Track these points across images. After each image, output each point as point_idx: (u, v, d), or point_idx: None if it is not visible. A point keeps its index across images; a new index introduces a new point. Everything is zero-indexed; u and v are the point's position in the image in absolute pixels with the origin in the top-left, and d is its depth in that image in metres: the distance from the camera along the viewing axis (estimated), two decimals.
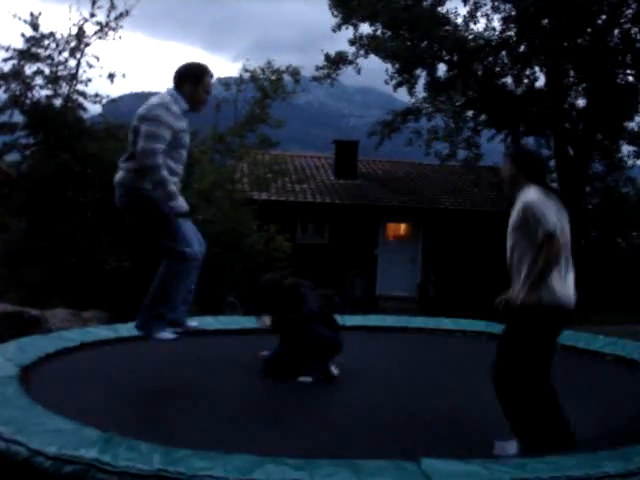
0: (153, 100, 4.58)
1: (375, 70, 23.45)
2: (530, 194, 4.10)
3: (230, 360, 5.36)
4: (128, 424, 3.68)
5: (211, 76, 4.88)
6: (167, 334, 4.70)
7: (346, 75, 23.89)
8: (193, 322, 4.95)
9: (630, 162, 23.50)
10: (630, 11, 20.84)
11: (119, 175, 4.70)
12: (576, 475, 2.74)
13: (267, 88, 15.96)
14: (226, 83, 16.43)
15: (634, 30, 21.27)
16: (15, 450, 3.06)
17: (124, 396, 4.50)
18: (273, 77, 16.13)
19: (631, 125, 22.81)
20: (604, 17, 21.18)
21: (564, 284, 4.15)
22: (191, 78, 4.67)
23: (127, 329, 6.67)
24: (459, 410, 4.46)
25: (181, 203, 4.58)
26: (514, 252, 4.15)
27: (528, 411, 3.95)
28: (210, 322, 7.12)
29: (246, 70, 16.22)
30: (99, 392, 4.50)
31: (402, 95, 23.79)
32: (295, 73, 16.41)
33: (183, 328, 4.87)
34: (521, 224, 4.06)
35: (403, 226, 22.61)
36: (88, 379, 4.86)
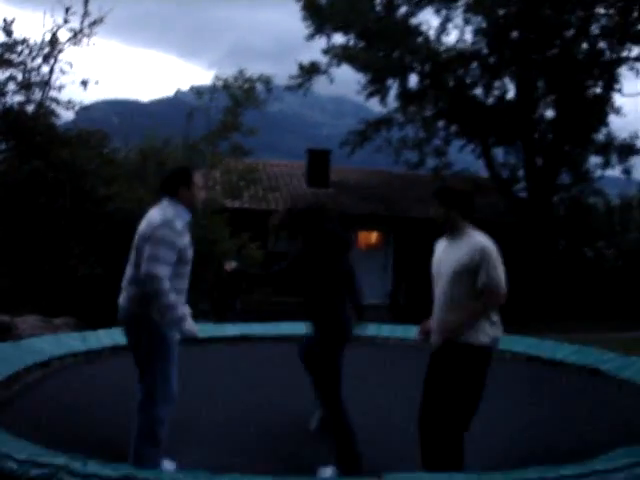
0: (156, 218, 4.37)
1: (348, 79, 23.64)
2: (482, 237, 4.26)
3: (197, 368, 5.43)
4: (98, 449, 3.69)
5: (197, 173, 4.83)
6: (168, 465, 4.42)
7: (319, 84, 24.08)
8: (169, 466, 4.49)
9: (597, 173, 23.93)
10: (597, 25, 21.27)
11: (123, 298, 4.51)
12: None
13: (239, 97, 16.03)
14: (198, 92, 16.47)
15: (601, 44, 21.71)
16: None
17: (90, 418, 4.50)
18: (245, 86, 16.19)
19: (599, 137, 23.23)
20: (572, 31, 21.56)
21: (496, 327, 4.29)
22: (183, 182, 4.53)
23: (96, 338, 6.73)
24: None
25: (191, 327, 4.39)
26: (453, 288, 4.25)
27: (445, 456, 4.08)
28: None
29: (218, 79, 16.29)
30: (70, 416, 4.51)
31: (375, 105, 24.05)
32: (267, 82, 16.51)
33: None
34: (471, 265, 4.18)
35: (374, 234, 22.76)
36: (54, 400, 4.85)
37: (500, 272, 4.17)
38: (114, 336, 6.82)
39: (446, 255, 4.40)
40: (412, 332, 8.13)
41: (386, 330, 8.91)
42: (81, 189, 12.93)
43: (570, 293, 20.89)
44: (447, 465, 4.04)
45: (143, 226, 4.40)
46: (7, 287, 12.38)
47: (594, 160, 23.73)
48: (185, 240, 4.41)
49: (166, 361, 4.39)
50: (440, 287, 4.38)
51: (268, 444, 4.19)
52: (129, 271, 4.48)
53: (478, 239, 4.27)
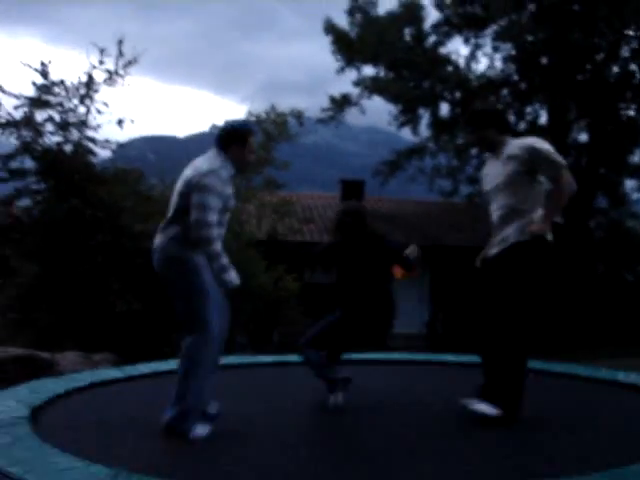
0: (203, 166, 4.44)
1: (381, 109, 23.83)
2: (522, 140, 4.51)
3: (238, 393, 5.46)
4: (136, 462, 3.76)
5: (254, 135, 4.83)
6: (201, 430, 4.39)
7: (352, 115, 24.28)
8: (213, 409, 4.58)
9: (635, 196, 23.74)
10: (627, 48, 21.21)
11: (160, 241, 4.52)
12: None
13: (272, 131, 16.22)
14: None
15: (632, 66, 21.62)
16: None
17: (133, 435, 4.59)
18: (278, 120, 16.38)
19: (634, 159, 23.06)
20: (602, 54, 21.51)
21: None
22: (238, 140, 4.57)
23: (135, 369, 6.83)
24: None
25: (233, 276, 4.46)
26: (508, 200, 4.43)
27: (512, 366, 4.32)
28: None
29: (251, 114, 16.52)
30: (109, 431, 4.60)
31: (408, 133, 24.17)
32: (299, 116, 16.69)
33: (207, 418, 4.52)
34: (523, 168, 4.37)
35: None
36: (98, 419, 4.96)
37: (554, 153, 4.31)
38: (153, 367, 6.94)
39: (493, 170, 4.55)
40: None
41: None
42: (118, 226, 13.14)
43: (611, 318, 20.58)
44: (509, 392, 4.27)
45: (188, 172, 4.47)
46: (47, 324, 12.57)
47: (629, 183, 23.55)
48: (229, 190, 4.50)
49: (207, 301, 4.38)
50: (495, 203, 4.51)
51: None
52: (169, 213, 4.54)
53: (517, 143, 4.44)
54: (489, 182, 4.65)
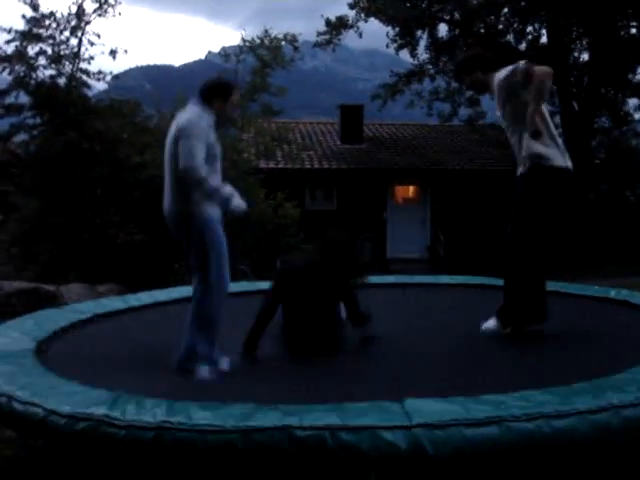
0: (183, 118, 4.56)
1: (380, 31, 23.43)
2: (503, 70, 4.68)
3: (236, 321, 5.59)
4: (136, 384, 3.91)
5: (238, 91, 4.91)
6: (208, 373, 4.46)
7: (351, 38, 23.89)
8: (224, 364, 4.60)
9: (637, 115, 23.56)
10: None
11: (168, 201, 4.67)
12: (547, 411, 2.95)
13: (266, 57, 15.98)
14: (225, 54, 16.47)
15: None
16: (32, 411, 3.33)
17: (133, 361, 4.73)
18: (271, 45, 16.11)
19: (636, 78, 22.78)
20: None
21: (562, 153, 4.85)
22: (220, 95, 4.65)
23: (137, 299, 6.96)
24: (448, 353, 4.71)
25: (239, 202, 4.62)
26: (514, 125, 4.75)
27: (529, 282, 4.65)
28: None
29: (245, 40, 16.26)
30: (110, 360, 4.74)
31: (408, 56, 23.83)
32: (293, 40, 16.42)
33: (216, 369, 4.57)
34: (510, 91, 4.65)
35: (411, 188, 22.74)
36: (100, 348, 5.09)
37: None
38: (155, 296, 7.07)
39: (496, 103, 4.86)
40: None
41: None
42: (116, 158, 13.16)
43: (613, 238, 20.68)
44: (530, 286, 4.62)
45: (172, 129, 4.58)
46: (50, 257, 12.72)
47: (632, 102, 23.33)
48: (212, 136, 4.57)
49: (218, 252, 4.52)
50: (508, 131, 4.87)
51: None
52: (167, 175, 4.64)
53: (498, 75, 4.67)
54: (499, 116, 4.98)
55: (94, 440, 3.08)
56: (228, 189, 4.58)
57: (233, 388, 4.04)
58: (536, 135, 4.50)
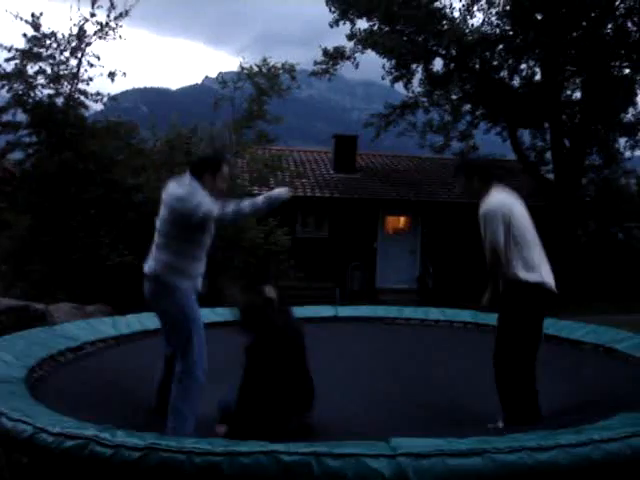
0: (180, 189, 4.59)
1: (377, 63, 23.65)
2: (492, 199, 4.73)
3: (224, 351, 5.61)
4: (125, 420, 3.92)
5: (228, 164, 4.98)
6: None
7: (347, 68, 24.09)
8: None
9: (627, 154, 23.82)
10: (623, 5, 21.06)
11: (151, 266, 4.66)
12: (530, 445, 3.01)
13: (263, 85, 16.11)
14: (223, 80, 16.60)
15: (628, 24, 21.50)
16: (21, 428, 3.36)
17: (124, 395, 4.75)
18: (269, 74, 16.24)
19: (627, 117, 23.07)
20: (598, 11, 21.37)
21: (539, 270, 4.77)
22: (210, 169, 4.71)
23: (127, 326, 6.99)
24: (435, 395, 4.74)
25: (278, 191, 4.59)
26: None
27: (518, 389, 4.55)
28: (206, 314, 7.42)
29: (243, 67, 16.39)
30: (99, 394, 4.76)
31: (403, 89, 24.05)
32: (291, 70, 16.56)
33: None
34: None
35: (402, 219, 22.84)
36: (91, 380, 5.11)
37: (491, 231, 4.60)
38: (142, 320, 7.09)
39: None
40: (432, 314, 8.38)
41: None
42: (110, 179, 13.21)
43: (601, 275, 20.81)
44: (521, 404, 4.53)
45: (167, 197, 4.61)
46: (41, 276, 12.73)
47: (622, 141, 23.61)
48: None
49: (196, 328, 4.56)
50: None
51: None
52: (157, 239, 4.66)
53: (489, 200, 4.72)
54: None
55: (82, 459, 3.11)
56: (249, 202, 4.54)
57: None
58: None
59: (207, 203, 4.44)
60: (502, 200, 4.72)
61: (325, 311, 8.58)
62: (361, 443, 3.07)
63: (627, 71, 22.51)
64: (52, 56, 13.58)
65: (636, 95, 22.43)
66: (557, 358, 5.85)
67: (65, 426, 3.29)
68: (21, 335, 5.85)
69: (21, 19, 13.32)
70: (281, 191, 4.61)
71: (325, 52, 22.96)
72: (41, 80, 13.55)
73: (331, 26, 22.44)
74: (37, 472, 4.26)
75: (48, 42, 13.50)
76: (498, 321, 4.75)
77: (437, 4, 22.37)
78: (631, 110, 22.91)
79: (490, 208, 4.65)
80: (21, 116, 13.54)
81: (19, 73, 13.32)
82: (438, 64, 23.37)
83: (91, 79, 13.92)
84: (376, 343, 6.73)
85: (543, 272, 4.70)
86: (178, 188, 4.61)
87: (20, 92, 13.36)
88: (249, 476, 2.86)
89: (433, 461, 2.84)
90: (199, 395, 4.60)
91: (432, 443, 3.01)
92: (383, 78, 23.36)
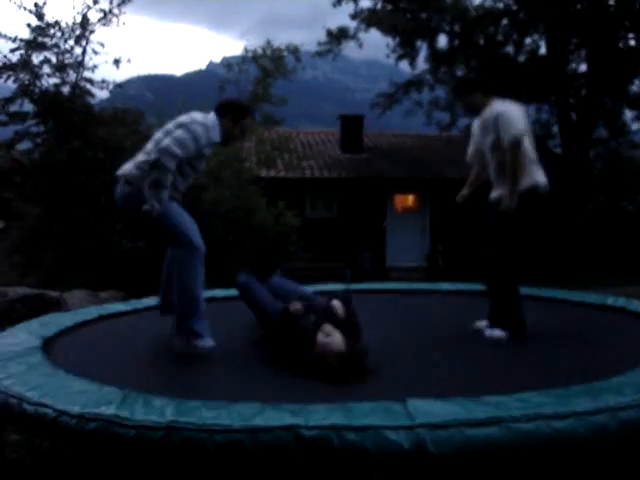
0: (198, 116, 4.62)
1: (380, 42, 23.57)
2: (501, 105, 4.82)
3: (237, 324, 5.65)
4: (144, 382, 3.98)
5: (253, 118, 5.01)
6: (206, 342, 4.63)
7: (351, 48, 24.03)
8: (207, 342, 4.69)
9: (634, 126, 23.70)
10: None
11: (127, 168, 4.69)
12: (545, 412, 3.03)
13: (268, 67, 16.11)
14: (228, 64, 16.61)
15: None
16: (43, 412, 3.40)
17: (141, 359, 4.80)
18: (274, 55, 16.24)
19: (634, 89, 22.93)
20: None
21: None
22: (234, 114, 4.72)
23: (141, 303, 7.04)
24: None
25: (157, 206, 4.46)
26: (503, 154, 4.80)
27: (509, 295, 4.88)
28: (219, 293, 7.49)
29: (247, 50, 16.40)
30: (117, 357, 4.81)
31: (407, 67, 23.97)
32: (295, 51, 16.54)
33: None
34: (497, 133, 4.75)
35: (411, 197, 22.83)
36: (107, 347, 5.17)
37: (515, 121, 4.69)
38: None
39: (481, 131, 5.00)
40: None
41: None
42: (119, 166, 13.23)
43: (611, 248, 20.77)
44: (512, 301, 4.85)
45: (184, 117, 4.65)
46: (53, 265, 12.79)
47: (629, 114, 23.47)
48: (207, 150, 4.71)
49: (182, 221, 4.58)
50: (487, 159, 5.04)
51: None
52: (148, 146, 4.69)
53: (493, 110, 4.79)
54: (479, 141, 5.11)
55: (104, 440, 3.16)
56: (165, 197, 4.52)
57: (236, 387, 4.09)
58: (513, 205, 4.75)
59: (182, 149, 4.42)
60: (516, 106, 4.82)
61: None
62: (380, 406, 3.10)
63: (633, 42, 22.34)
64: (57, 45, 13.57)
65: None
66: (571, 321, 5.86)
67: (86, 404, 3.32)
68: (37, 320, 5.91)
69: (25, 9, 13.32)
70: (157, 208, 4.45)
71: (329, 33, 22.88)
72: (47, 69, 13.55)
73: (334, 6, 22.32)
74: (58, 455, 4.35)
75: (52, 31, 13.48)
76: (497, 221, 4.92)
77: None
78: (637, 82, 22.74)
79: (508, 108, 4.75)
80: (28, 106, 13.57)
81: (24, 63, 13.33)
82: (442, 41, 23.29)
83: (96, 67, 13.91)
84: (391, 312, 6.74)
85: (539, 174, 4.96)
86: (200, 115, 4.64)
87: (26, 82, 13.36)
88: (270, 451, 2.90)
89: (451, 431, 2.87)
90: (202, 270, 4.61)
91: (449, 411, 3.05)
92: (388, 56, 23.27)
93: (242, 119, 4.74)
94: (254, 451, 2.89)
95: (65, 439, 3.49)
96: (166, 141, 4.42)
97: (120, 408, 3.22)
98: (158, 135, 4.66)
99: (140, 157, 4.67)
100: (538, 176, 4.94)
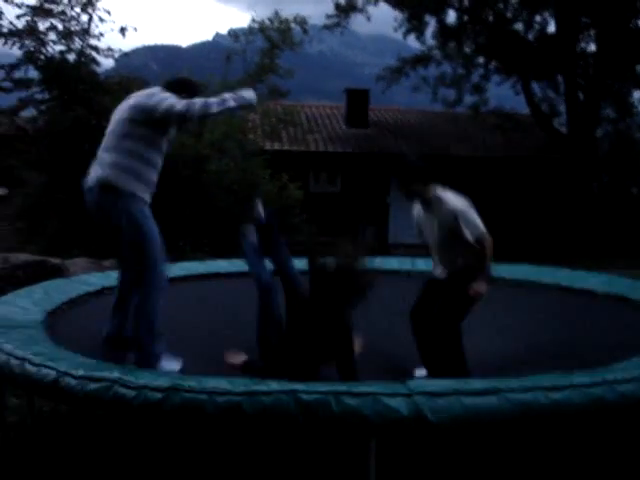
0: (158, 89, 4.45)
1: (388, 17, 23.36)
2: (451, 200, 4.69)
3: (236, 298, 5.67)
4: None
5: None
6: (171, 364, 4.32)
7: (359, 23, 23.82)
8: (175, 365, 4.35)
9: None
10: None
11: (98, 172, 4.32)
12: (544, 385, 3.06)
13: (275, 39, 16.01)
14: (235, 35, 16.51)
15: None
16: (45, 373, 3.41)
17: None
18: (281, 27, 16.14)
19: None
20: None
21: None
22: (189, 93, 4.47)
23: None
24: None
25: (247, 95, 4.34)
26: (449, 251, 4.76)
27: (444, 350, 4.51)
28: (223, 265, 7.49)
29: (255, 21, 16.30)
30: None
31: (415, 42, 23.77)
32: (302, 22, 16.43)
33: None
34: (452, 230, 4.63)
35: None
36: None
37: (476, 219, 4.63)
38: None
39: (427, 222, 4.88)
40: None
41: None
42: None
43: (614, 229, 20.73)
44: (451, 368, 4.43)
45: (137, 99, 4.43)
46: (56, 232, 12.80)
47: (637, 94, 23.33)
48: (173, 130, 4.52)
49: (152, 239, 4.30)
50: (433, 251, 4.93)
51: None
52: (106, 142, 4.42)
53: (445, 206, 4.66)
54: (425, 234, 4.97)
55: (106, 402, 3.18)
56: (222, 97, 4.32)
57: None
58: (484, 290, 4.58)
59: (172, 98, 4.22)
60: (462, 199, 4.73)
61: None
62: (379, 382, 3.13)
63: None
64: (63, 12, 13.53)
65: None
66: (570, 307, 5.89)
67: (88, 369, 3.35)
68: (39, 285, 5.91)
69: None
70: (250, 93, 4.38)
71: (337, 5, 22.68)
72: (52, 36, 13.54)
73: None
74: (59, 419, 4.39)
75: None
76: (446, 291, 4.70)
77: None
78: None
79: (460, 203, 4.65)
80: (33, 73, 13.55)
81: (30, 30, 13.30)
82: (451, 16, 23.05)
83: (102, 34, 13.88)
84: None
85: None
86: (151, 92, 4.44)
87: (32, 49, 13.34)
88: (270, 415, 2.92)
89: (449, 399, 2.90)
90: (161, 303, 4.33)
91: (447, 383, 3.08)
92: (395, 30, 23.06)
93: (195, 96, 4.47)
94: (253, 414, 2.92)
95: (67, 401, 3.54)
96: (168, 102, 4.21)
97: (123, 373, 3.26)
98: (115, 127, 4.41)
99: (107, 157, 4.37)
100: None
